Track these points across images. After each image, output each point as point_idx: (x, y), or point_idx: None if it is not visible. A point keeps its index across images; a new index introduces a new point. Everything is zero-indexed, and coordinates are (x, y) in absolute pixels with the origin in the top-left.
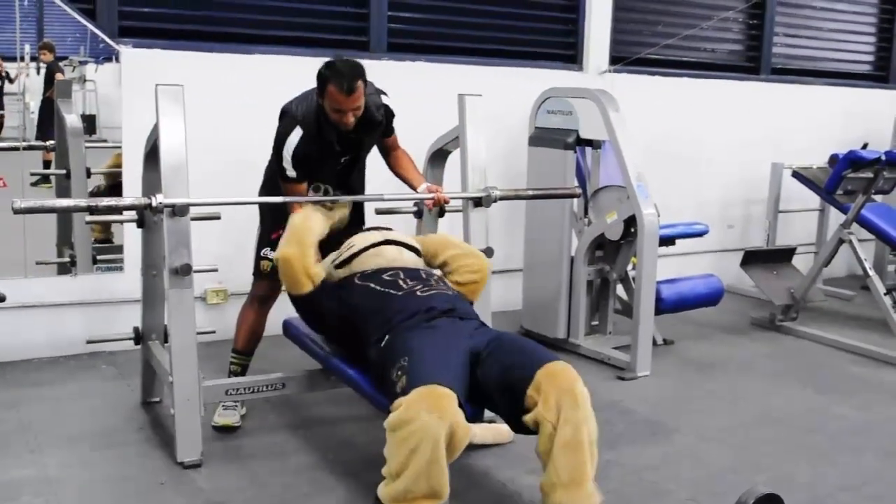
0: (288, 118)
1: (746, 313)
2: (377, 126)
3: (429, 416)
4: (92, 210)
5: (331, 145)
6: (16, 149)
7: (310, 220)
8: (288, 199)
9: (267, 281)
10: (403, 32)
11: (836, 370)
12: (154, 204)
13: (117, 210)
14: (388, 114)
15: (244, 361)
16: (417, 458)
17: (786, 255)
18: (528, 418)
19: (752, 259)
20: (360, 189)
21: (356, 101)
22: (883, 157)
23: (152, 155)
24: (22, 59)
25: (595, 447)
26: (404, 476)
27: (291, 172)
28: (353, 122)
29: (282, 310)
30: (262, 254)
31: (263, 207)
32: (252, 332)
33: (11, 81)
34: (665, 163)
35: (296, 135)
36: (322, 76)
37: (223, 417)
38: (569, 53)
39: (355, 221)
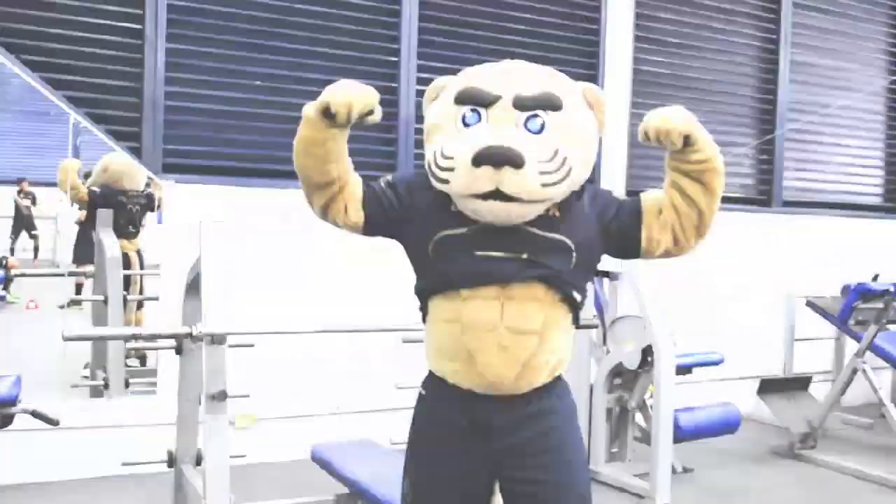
0: None
1: (765, 441)
2: None
3: None
4: (135, 337)
5: None
6: (61, 275)
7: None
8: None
9: None
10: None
11: (856, 500)
12: (195, 332)
13: (157, 337)
14: None
15: None
16: None
17: (802, 383)
18: None
19: (768, 387)
20: None
21: None
22: (891, 289)
23: (193, 285)
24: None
25: None
26: None
27: None
28: None
29: (311, 436)
30: None
31: None
32: None
33: (35, 205)
34: (680, 293)
35: None
36: None
37: None
38: None
39: None
